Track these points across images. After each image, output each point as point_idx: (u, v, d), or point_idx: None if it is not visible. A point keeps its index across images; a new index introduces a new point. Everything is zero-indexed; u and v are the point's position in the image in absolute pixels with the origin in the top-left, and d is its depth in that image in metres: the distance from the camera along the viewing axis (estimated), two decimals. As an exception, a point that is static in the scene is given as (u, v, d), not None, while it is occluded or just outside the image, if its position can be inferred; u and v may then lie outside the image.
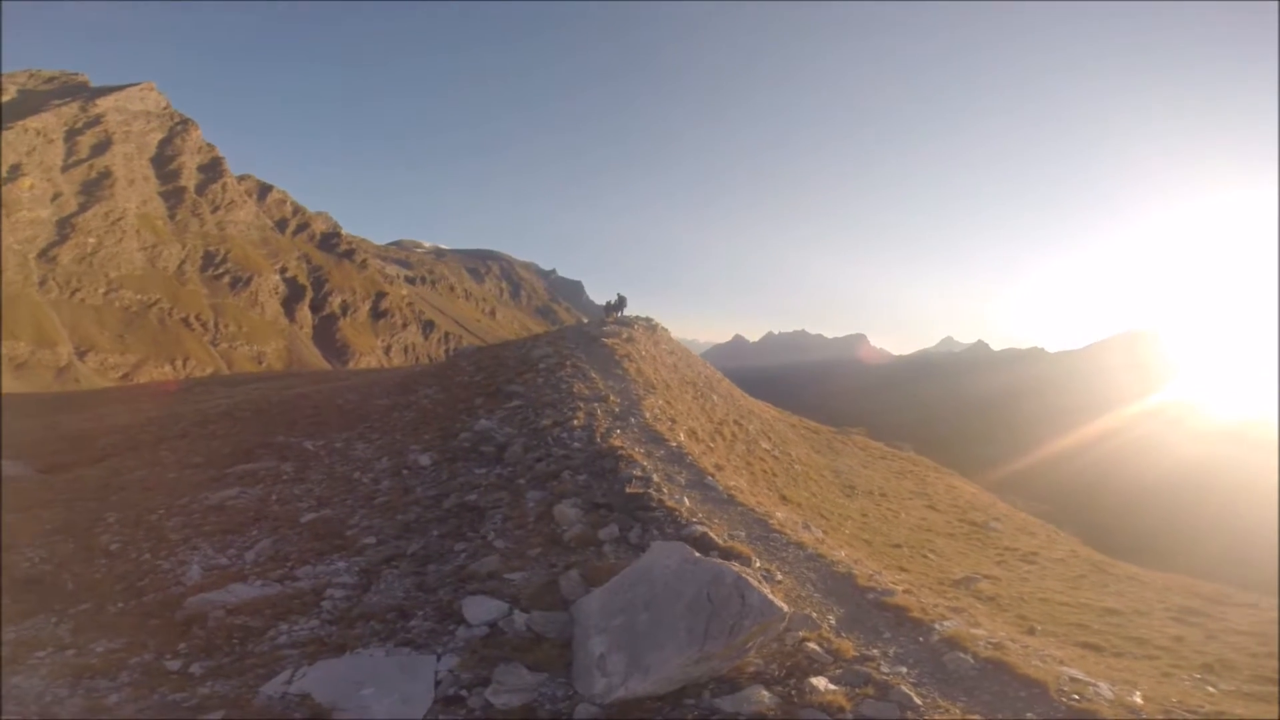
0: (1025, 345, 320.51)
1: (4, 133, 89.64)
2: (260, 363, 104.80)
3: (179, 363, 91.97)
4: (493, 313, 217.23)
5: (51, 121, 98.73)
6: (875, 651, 6.26)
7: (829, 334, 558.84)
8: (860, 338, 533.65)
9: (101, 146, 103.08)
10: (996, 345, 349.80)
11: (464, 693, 5.28)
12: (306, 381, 34.18)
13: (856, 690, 5.28)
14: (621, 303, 34.62)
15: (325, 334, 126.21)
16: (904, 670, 5.97)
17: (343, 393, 24.36)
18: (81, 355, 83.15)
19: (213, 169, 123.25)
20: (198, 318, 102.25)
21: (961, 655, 6.13)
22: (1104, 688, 5.94)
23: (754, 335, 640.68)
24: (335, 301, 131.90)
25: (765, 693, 5.03)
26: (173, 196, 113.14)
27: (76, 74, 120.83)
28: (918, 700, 5.14)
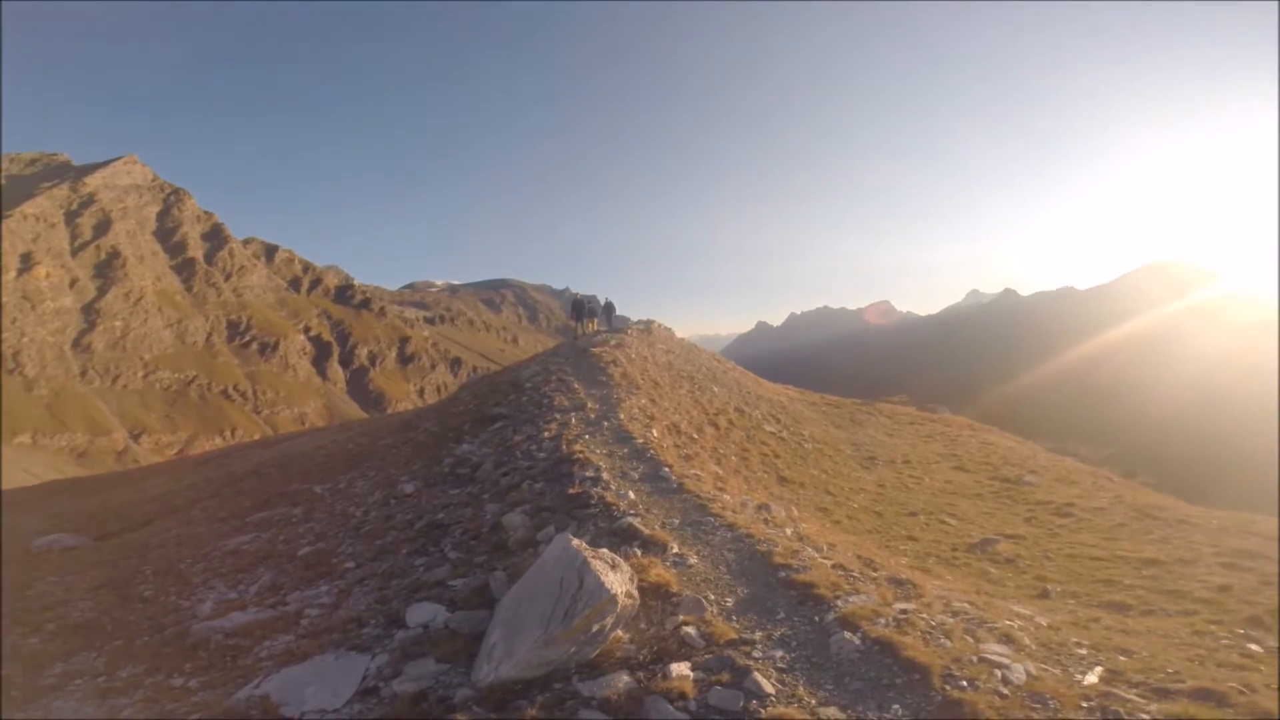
0: (1055, 287, 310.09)
1: (4, 221, 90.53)
2: (303, 423, 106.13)
3: (228, 433, 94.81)
4: (515, 340, 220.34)
5: (47, 205, 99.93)
6: (759, 635, 6.14)
7: (852, 306, 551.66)
8: (883, 303, 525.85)
9: (103, 226, 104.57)
10: (1025, 291, 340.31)
11: (380, 684, 6.05)
12: (331, 434, 35.75)
13: (710, 677, 5.31)
14: (604, 308, 35.54)
15: (359, 386, 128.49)
16: (779, 654, 5.77)
17: (355, 438, 25.65)
18: (136, 438, 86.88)
19: (215, 236, 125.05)
20: (236, 388, 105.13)
21: (848, 636, 5.90)
22: (1019, 670, 5.39)
23: (777, 320, 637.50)
24: (362, 353, 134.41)
25: (626, 677, 5.33)
26: (184, 269, 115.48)
27: (56, 154, 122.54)
28: (769, 689, 5.12)
